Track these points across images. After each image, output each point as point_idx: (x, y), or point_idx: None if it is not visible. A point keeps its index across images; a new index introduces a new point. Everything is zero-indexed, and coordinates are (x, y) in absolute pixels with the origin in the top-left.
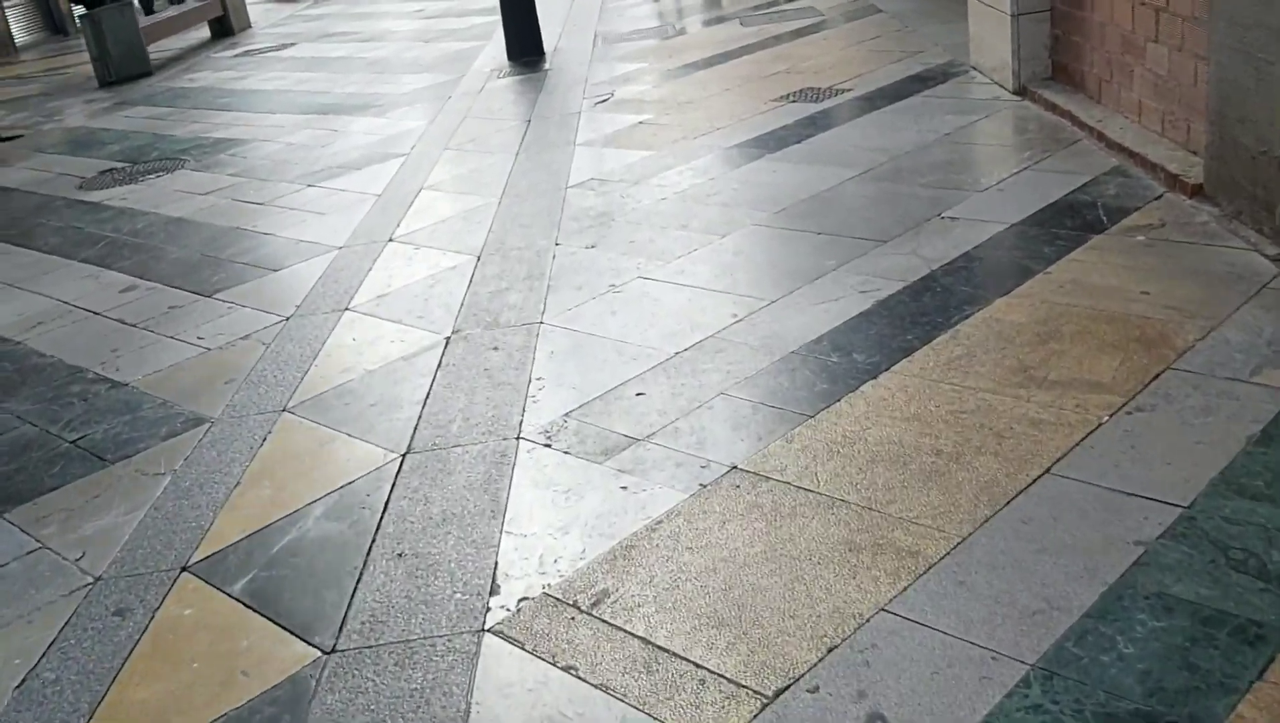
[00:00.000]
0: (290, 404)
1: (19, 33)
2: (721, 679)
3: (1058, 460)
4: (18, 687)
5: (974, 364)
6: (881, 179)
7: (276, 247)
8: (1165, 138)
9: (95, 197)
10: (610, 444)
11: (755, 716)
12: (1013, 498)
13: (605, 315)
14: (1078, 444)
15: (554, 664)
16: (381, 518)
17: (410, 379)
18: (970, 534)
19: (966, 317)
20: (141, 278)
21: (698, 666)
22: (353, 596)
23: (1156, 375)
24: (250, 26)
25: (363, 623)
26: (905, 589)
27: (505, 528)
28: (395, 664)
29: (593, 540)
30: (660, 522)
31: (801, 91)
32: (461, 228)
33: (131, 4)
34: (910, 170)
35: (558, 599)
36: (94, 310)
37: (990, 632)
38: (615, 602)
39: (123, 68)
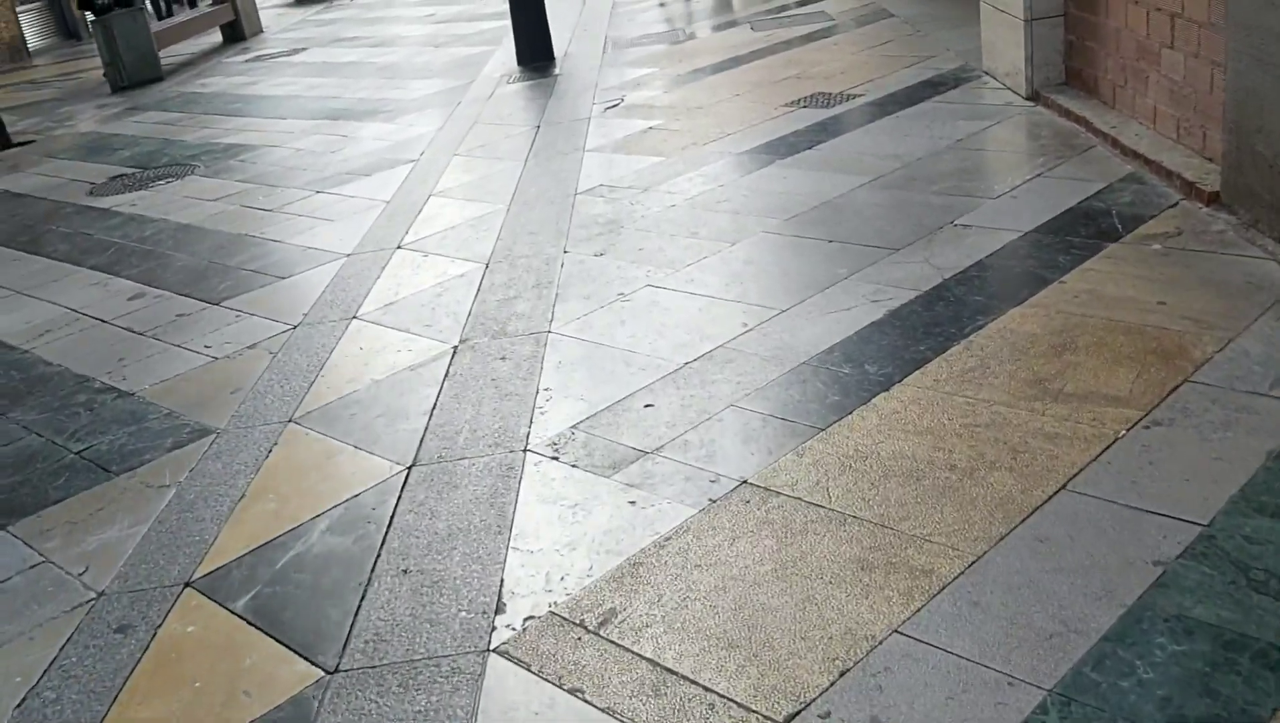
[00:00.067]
0: (296, 415)
1: (32, 37)
2: (731, 704)
3: (1074, 476)
4: (18, 706)
5: (988, 376)
6: (893, 186)
7: (285, 254)
8: (1181, 145)
9: (105, 203)
10: (618, 457)
11: None
12: (1028, 515)
13: (614, 325)
14: (1094, 459)
15: (560, 687)
16: (387, 533)
17: (417, 390)
18: (985, 553)
19: (980, 327)
20: (149, 285)
21: (707, 689)
22: (356, 613)
23: (1174, 388)
24: (262, 31)
25: (366, 642)
26: (919, 610)
27: (511, 544)
28: (399, 686)
29: (600, 557)
30: (669, 538)
31: (812, 97)
32: (470, 235)
33: (143, 9)
34: (922, 177)
35: (564, 619)
36: (102, 318)
37: (1006, 655)
38: (623, 621)
39: (135, 73)
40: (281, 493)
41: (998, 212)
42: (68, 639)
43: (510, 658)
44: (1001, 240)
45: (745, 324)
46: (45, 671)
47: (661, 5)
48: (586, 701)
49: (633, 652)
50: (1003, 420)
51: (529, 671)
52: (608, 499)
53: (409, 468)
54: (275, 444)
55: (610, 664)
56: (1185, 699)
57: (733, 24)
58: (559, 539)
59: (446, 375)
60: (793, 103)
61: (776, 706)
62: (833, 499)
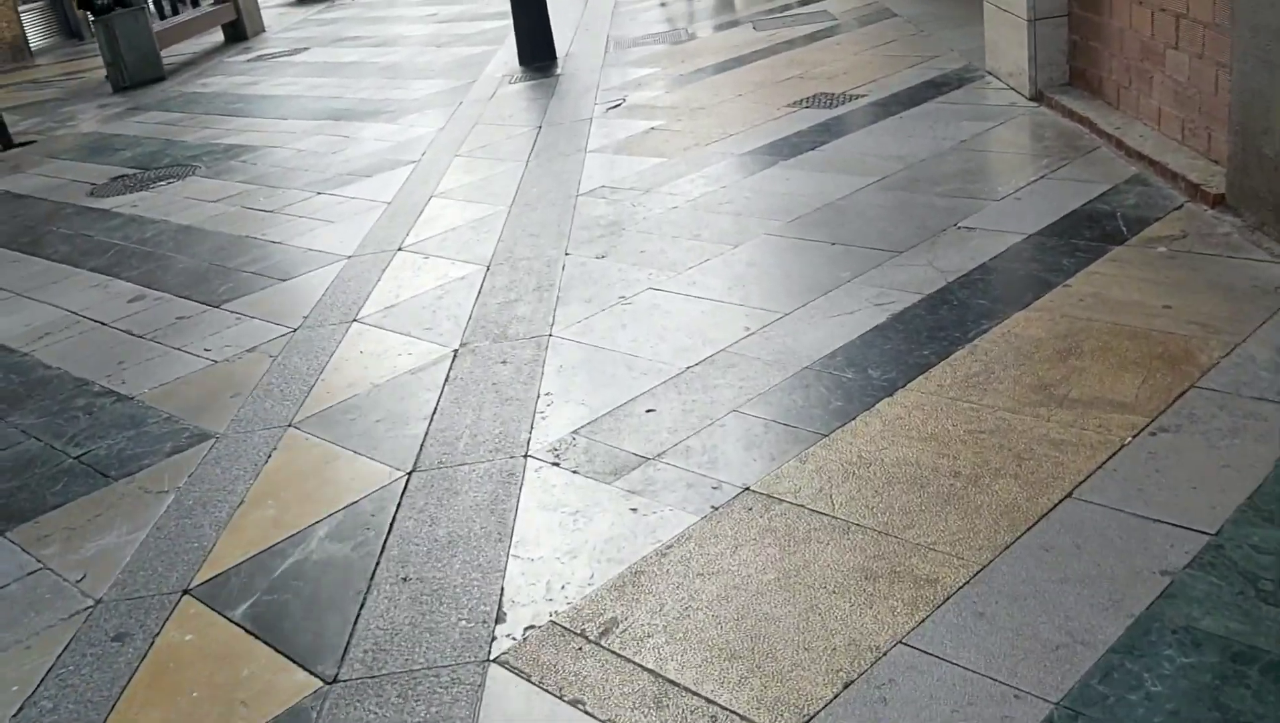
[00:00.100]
0: (296, 419)
1: (34, 37)
2: (734, 716)
3: (1080, 484)
4: (14, 716)
5: (992, 381)
6: (896, 187)
7: (285, 256)
8: (1186, 146)
9: (105, 204)
10: (620, 463)
11: None
12: (1034, 524)
13: (615, 328)
14: (1100, 467)
15: (561, 698)
16: (386, 540)
17: (417, 394)
18: (990, 562)
19: (984, 331)
20: (150, 287)
21: (710, 701)
22: (356, 622)
23: (1180, 394)
24: (264, 31)
25: (365, 651)
26: (923, 621)
27: (512, 552)
28: (398, 696)
29: (601, 566)
30: (671, 546)
31: (815, 97)
32: (471, 237)
33: (145, 9)
34: (926, 178)
35: (565, 628)
36: (102, 321)
37: (1012, 668)
38: (624, 631)
39: (136, 73)
40: (281, 499)
41: (1001, 214)
42: (65, 647)
43: (510, 669)
44: (1005, 243)
45: (747, 328)
46: (42, 679)
47: (663, 5)
48: (587, 712)
49: (634, 663)
50: (1007, 427)
51: (529, 682)
52: (609, 506)
53: (409, 474)
54: (275, 449)
55: (611, 675)
56: (1194, 713)
57: (735, 23)
58: (560, 547)
59: (447, 380)
60: (795, 103)
61: (780, 718)
62: (836, 507)
